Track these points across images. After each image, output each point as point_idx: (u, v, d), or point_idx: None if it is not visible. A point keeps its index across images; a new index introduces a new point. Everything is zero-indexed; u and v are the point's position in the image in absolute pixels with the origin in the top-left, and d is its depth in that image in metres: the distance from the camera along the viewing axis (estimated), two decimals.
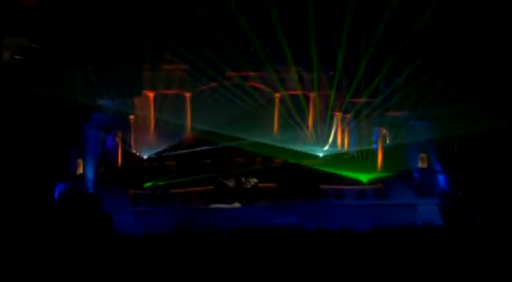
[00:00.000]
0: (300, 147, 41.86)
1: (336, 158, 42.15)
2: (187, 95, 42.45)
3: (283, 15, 39.16)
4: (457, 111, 37.51)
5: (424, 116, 39.95)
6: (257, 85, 42.84)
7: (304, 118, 43.43)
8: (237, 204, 37.57)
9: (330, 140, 43.44)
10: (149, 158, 41.07)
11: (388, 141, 41.75)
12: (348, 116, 42.76)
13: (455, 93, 37.92)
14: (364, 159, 41.49)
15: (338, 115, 43.39)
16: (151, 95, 41.81)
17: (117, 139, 40.73)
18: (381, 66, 39.73)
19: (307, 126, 43.53)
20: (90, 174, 37.89)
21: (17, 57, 36.95)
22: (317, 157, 42.29)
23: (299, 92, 43.20)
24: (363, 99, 41.69)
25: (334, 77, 41.87)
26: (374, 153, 41.74)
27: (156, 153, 41.03)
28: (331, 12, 39.17)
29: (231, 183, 38.35)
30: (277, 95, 43.55)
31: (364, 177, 39.66)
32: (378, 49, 39.27)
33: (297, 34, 39.83)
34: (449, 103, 38.18)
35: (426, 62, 38.58)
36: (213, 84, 42.45)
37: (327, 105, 43.04)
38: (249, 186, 38.37)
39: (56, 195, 35.91)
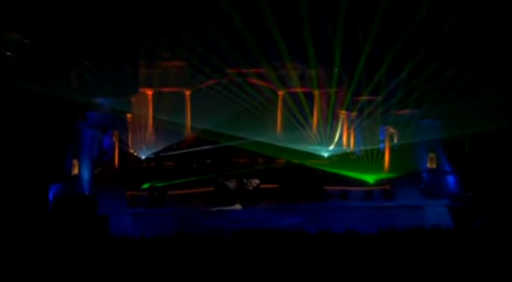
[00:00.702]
0: (303, 147, 40.97)
1: (341, 158, 41.14)
2: (187, 92, 41.79)
3: (285, 10, 38.35)
4: (468, 109, 36.53)
5: (433, 114, 38.94)
6: (259, 83, 42.09)
7: (308, 117, 42.58)
8: (238, 206, 36.70)
9: (335, 139, 42.57)
10: (147, 159, 40.34)
11: (395, 141, 40.75)
12: (354, 114, 41.85)
13: (466, 90, 36.94)
14: (371, 159, 40.40)
15: (343, 114, 42.48)
16: (149, 92, 41.11)
17: (114, 139, 40.02)
18: (385, 63, 38.71)
19: (311, 126, 42.77)
20: (86, 175, 37.03)
21: (8, 53, 36.18)
22: (321, 157, 41.36)
23: (303, 90, 42.38)
24: (369, 97, 40.82)
25: (339, 74, 41.23)
26: (381, 153, 40.67)
27: (154, 154, 40.28)
28: (334, 8, 38.27)
29: (232, 184, 37.52)
30: (280, 93, 42.75)
31: (370, 178, 38.76)
32: (384, 45, 38.31)
33: (300, 30, 38.99)
34: (459, 100, 37.18)
35: (434, 57, 37.62)
36: (213, 81, 41.80)
37: (332, 103, 42.26)
38: (250, 188, 37.57)
39: (50, 197, 35.00)
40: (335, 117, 42.51)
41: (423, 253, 24.32)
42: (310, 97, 42.53)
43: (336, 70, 41.45)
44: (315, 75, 41.81)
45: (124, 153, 40.28)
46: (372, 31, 38.05)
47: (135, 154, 40.55)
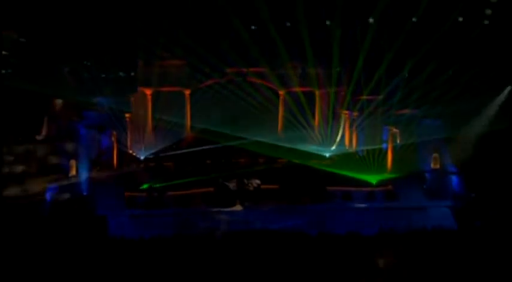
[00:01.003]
0: (305, 147, 40.58)
1: (343, 159, 40.61)
2: (187, 92, 41.31)
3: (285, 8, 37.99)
4: (473, 108, 36.15)
5: (435, 113, 38.65)
6: (259, 82, 41.67)
7: (309, 117, 42.04)
8: (238, 207, 36.19)
9: (337, 139, 42.09)
10: (146, 159, 39.86)
11: (398, 141, 40.28)
12: (355, 114, 41.37)
13: (466, 89, 36.55)
14: (373, 159, 39.94)
15: (345, 113, 42.03)
16: (148, 92, 40.73)
17: (112, 139, 39.66)
18: (385, 61, 38.27)
19: (312, 125, 42.22)
20: (84, 176, 36.68)
21: (4, 52, 35.95)
22: (323, 157, 40.90)
23: (303, 90, 41.85)
24: (371, 97, 40.32)
25: (339, 73, 40.78)
26: (383, 153, 40.26)
27: (153, 154, 39.83)
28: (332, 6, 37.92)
29: (232, 184, 36.95)
30: (281, 92, 42.26)
31: (373, 179, 38.26)
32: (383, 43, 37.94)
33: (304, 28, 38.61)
34: (459, 100, 36.78)
35: (434, 55, 37.24)
36: (213, 80, 41.25)
37: (333, 102, 41.74)
38: (251, 188, 37.04)
39: (48, 198, 34.72)
40: (336, 117, 42.06)
41: (425, 254, 24.18)
42: (311, 97, 42.12)
43: (338, 69, 40.97)
44: (315, 75, 41.36)
45: (123, 154, 39.89)
46: (371, 30, 37.72)
47: (134, 154, 40.11)
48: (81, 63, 38.42)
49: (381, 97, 39.88)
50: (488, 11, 35.54)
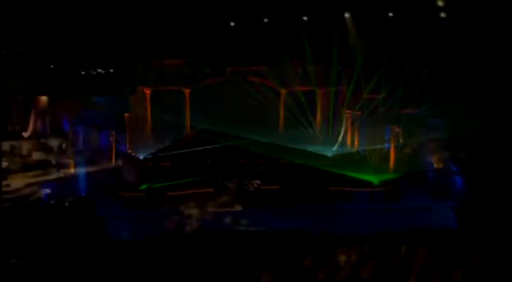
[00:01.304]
0: (306, 147, 40.00)
1: (345, 159, 40.11)
2: (187, 91, 41.05)
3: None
4: (475, 107, 35.71)
5: (438, 113, 38.22)
6: (260, 81, 41.27)
7: (310, 116, 41.71)
8: (238, 208, 35.80)
9: (339, 139, 41.63)
10: (145, 159, 39.42)
11: (400, 140, 39.91)
12: (358, 113, 41.02)
13: (474, 88, 36.15)
14: (376, 159, 39.53)
15: (348, 113, 41.63)
16: (147, 91, 40.43)
17: (111, 138, 39.34)
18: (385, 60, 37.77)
19: (313, 125, 41.88)
20: (81, 175, 36.34)
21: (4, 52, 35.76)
22: (325, 157, 40.30)
23: (305, 89, 41.51)
24: (372, 96, 39.97)
25: (339, 72, 40.37)
26: (385, 153, 39.85)
27: (152, 154, 39.41)
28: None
29: (232, 185, 36.68)
30: (282, 91, 41.91)
31: (375, 179, 37.87)
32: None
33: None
34: (466, 99, 36.35)
35: (445, 55, 36.83)
36: (214, 79, 41.04)
37: (334, 102, 41.33)
38: (251, 189, 36.88)
39: (44, 198, 34.35)
40: (338, 117, 41.66)
41: (427, 255, 23.71)
42: (312, 96, 41.77)
43: (340, 68, 40.63)
44: (315, 74, 40.97)
45: (121, 153, 39.68)
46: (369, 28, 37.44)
47: (133, 154, 39.79)
48: (80, 61, 38.22)
49: (381, 96, 39.54)
50: (441, 3, 34.90)
